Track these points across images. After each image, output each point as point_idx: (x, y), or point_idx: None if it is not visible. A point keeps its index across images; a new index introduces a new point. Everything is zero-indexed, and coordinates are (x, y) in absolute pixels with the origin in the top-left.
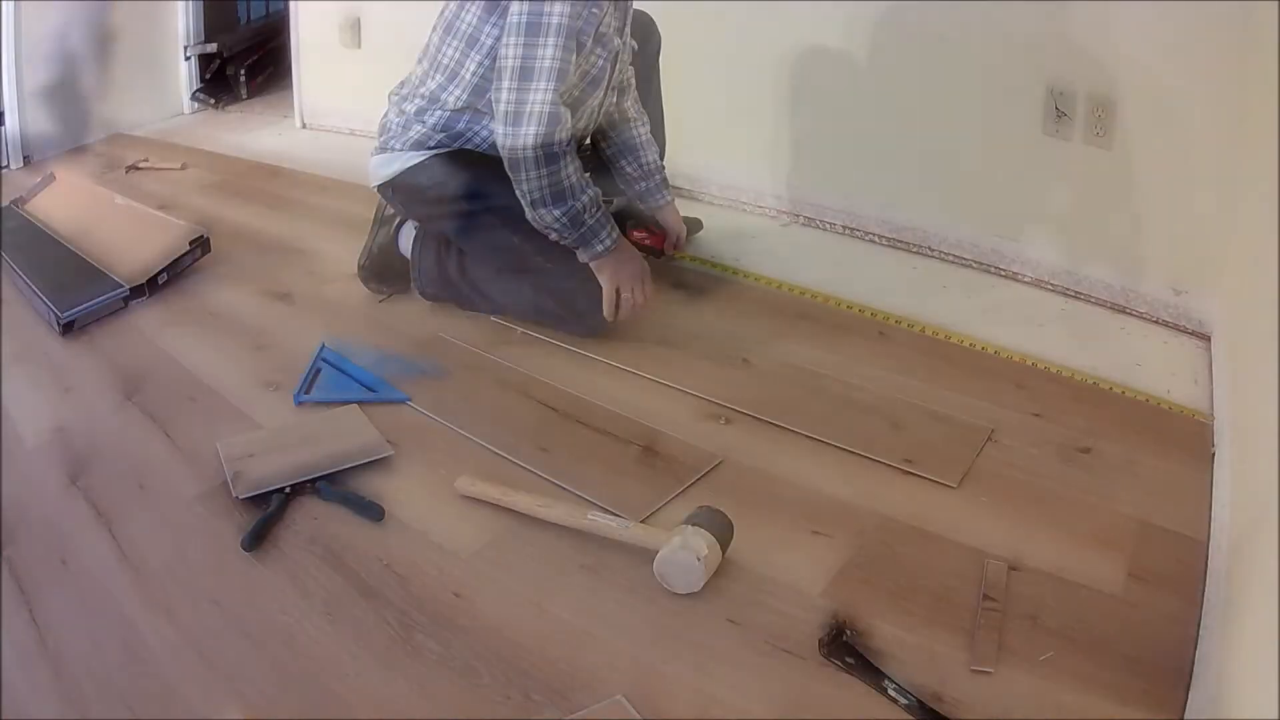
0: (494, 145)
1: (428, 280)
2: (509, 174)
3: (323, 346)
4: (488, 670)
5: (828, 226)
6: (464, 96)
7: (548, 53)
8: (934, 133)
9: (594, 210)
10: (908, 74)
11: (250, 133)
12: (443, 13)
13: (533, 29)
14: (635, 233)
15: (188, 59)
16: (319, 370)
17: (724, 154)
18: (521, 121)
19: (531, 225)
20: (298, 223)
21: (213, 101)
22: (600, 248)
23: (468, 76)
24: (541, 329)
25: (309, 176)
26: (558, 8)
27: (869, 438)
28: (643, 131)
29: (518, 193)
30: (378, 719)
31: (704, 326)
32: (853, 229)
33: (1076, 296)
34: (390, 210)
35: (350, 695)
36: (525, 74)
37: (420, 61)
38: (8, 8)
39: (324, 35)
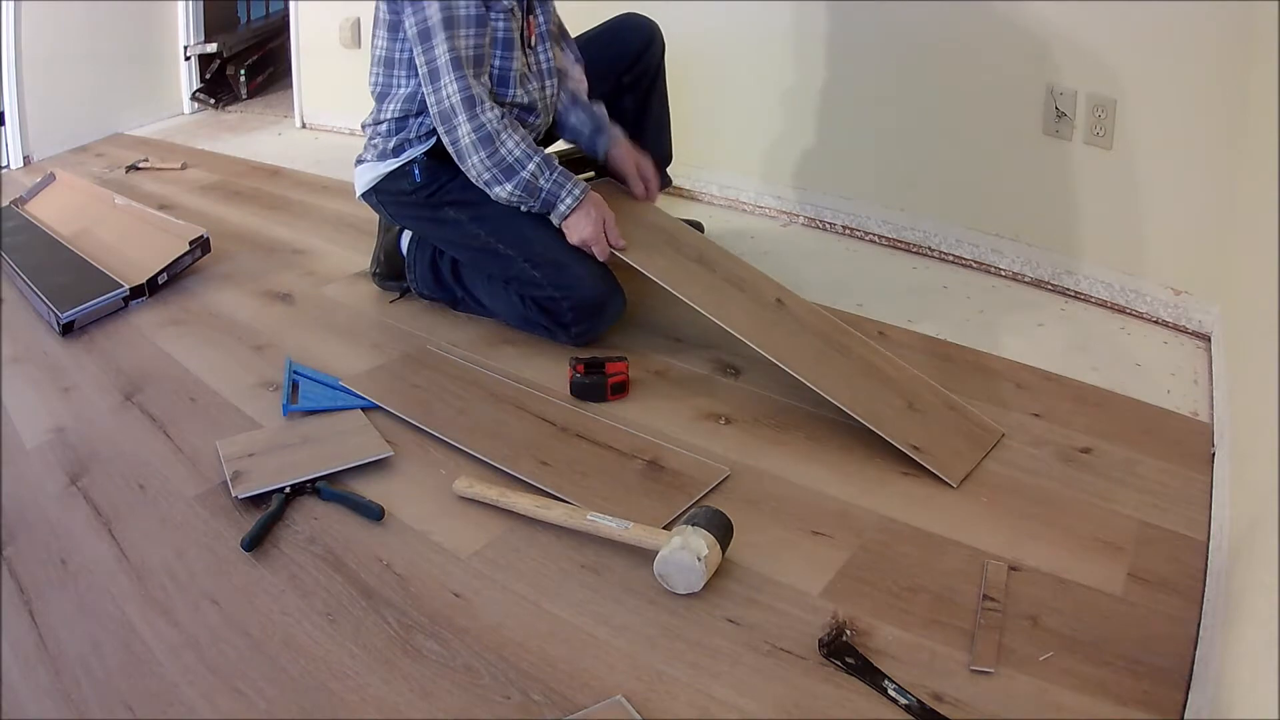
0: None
1: (422, 282)
2: (460, 165)
3: (289, 362)
4: (488, 670)
5: (828, 227)
6: (399, 107)
7: (440, 49)
8: (934, 133)
9: (547, 174)
10: (908, 74)
11: (250, 133)
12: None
13: (423, 35)
14: (612, 381)
15: (188, 59)
16: (296, 383)
17: (724, 155)
18: (448, 118)
19: (515, 233)
20: (298, 223)
21: (213, 101)
22: (564, 207)
23: (398, 89)
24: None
25: (309, 177)
26: (433, 6)
27: (881, 413)
28: (578, 76)
29: (474, 181)
30: (377, 719)
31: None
32: (853, 229)
33: (1076, 296)
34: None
35: (350, 695)
36: (434, 76)
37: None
38: (8, 8)
39: (324, 35)
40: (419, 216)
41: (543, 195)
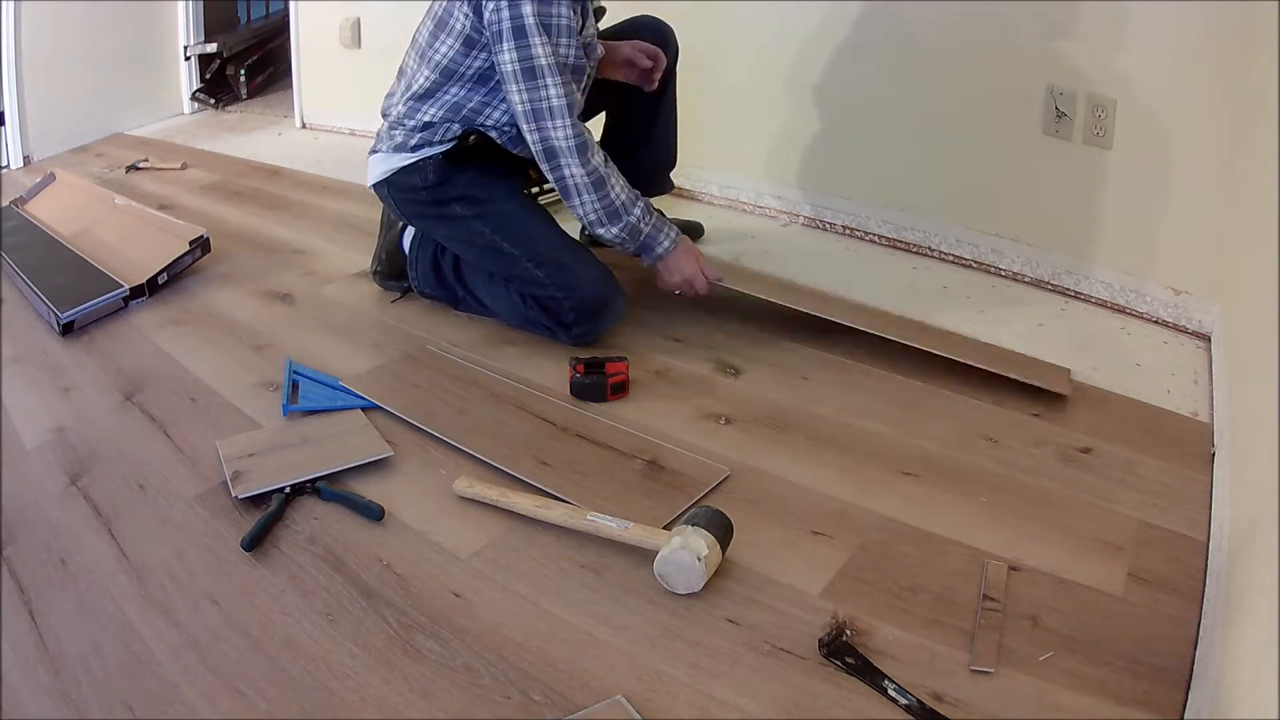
0: (481, 139)
1: (424, 280)
2: (565, 200)
3: (289, 362)
4: (488, 670)
5: (828, 227)
6: (439, 113)
7: (552, 90)
8: (934, 133)
9: (648, 217)
10: (908, 74)
11: (250, 133)
12: (416, 34)
13: (528, 73)
14: (612, 381)
15: (188, 59)
16: (296, 384)
17: (724, 155)
18: (557, 156)
19: (519, 232)
20: (298, 223)
21: (213, 101)
22: (660, 250)
23: (445, 97)
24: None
25: (309, 177)
26: (540, 46)
27: (973, 348)
28: None
29: (576, 215)
30: (377, 719)
31: (702, 327)
32: (853, 229)
33: (1076, 296)
34: (391, 213)
35: (350, 695)
36: (541, 115)
37: (399, 77)
38: (8, 8)
39: (324, 35)
40: (426, 213)
41: (642, 238)
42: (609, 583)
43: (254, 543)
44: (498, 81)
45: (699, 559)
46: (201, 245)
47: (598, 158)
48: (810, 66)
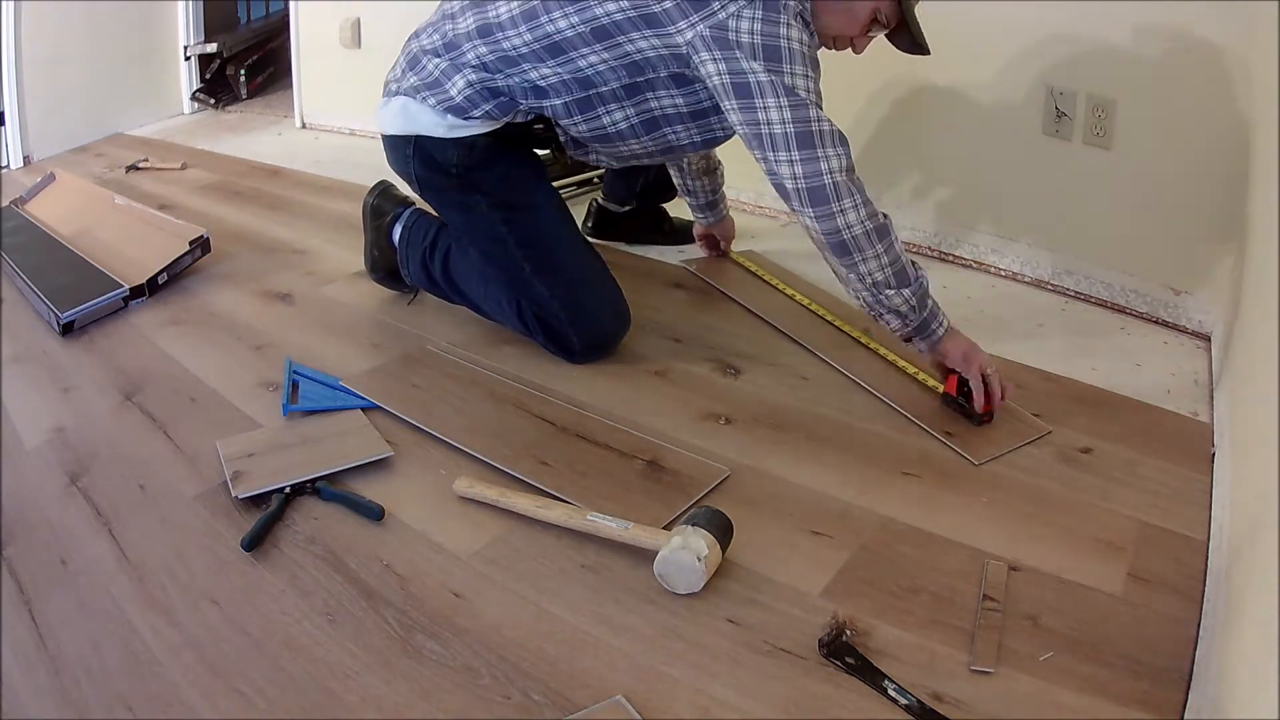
0: (540, 127)
1: (416, 277)
2: (838, 259)
3: (289, 362)
4: (488, 670)
5: None
6: (560, 80)
7: (813, 111)
8: (934, 132)
9: (929, 293)
10: (907, 74)
11: (250, 133)
12: None
13: (779, 90)
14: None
15: (188, 59)
16: (296, 383)
17: (724, 155)
18: (827, 198)
19: (545, 254)
20: (298, 223)
21: (213, 101)
22: (941, 330)
23: (582, 65)
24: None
25: (309, 177)
26: (800, 68)
27: (921, 405)
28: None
29: (850, 284)
30: (377, 719)
31: (702, 327)
32: None
33: (1076, 296)
34: (373, 208)
35: (350, 695)
36: (806, 140)
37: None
38: (8, 8)
39: (324, 35)
40: (444, 195)
41: (927, 311)
42: (609, 583)
43: (254, 543)
44: (639, 78)
45: (699, 559)
46: (201, 245)
47: (875, 205)
48: None
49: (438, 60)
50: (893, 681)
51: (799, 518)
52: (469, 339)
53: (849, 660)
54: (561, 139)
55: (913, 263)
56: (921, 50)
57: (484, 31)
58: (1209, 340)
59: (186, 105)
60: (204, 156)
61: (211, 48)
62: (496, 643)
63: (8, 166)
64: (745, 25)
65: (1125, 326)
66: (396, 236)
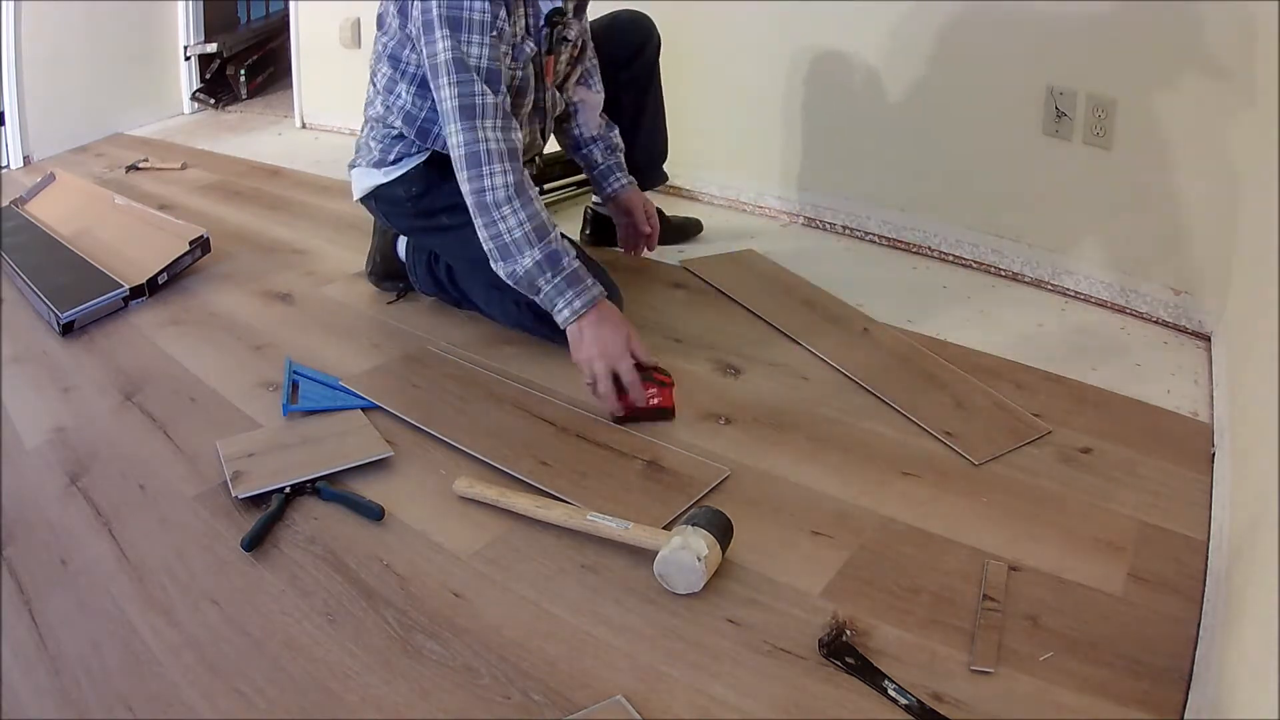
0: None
1: (423, 283)
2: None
3: (289, 362)
4: (488, 670)
5: (828, 227)
6: (398, 122)
7: (448, 91)
8: (934, 132)
9: (550, 280)
10: (908, 74)
11: (250, 133)
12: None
13: (434, 71)
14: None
15: (188, 59)
16: (295, 383)
17: (724, 155)
18: (461, 166)
19: None
20: (298, 223)
21: (213, 101)
22: (558, 318)
23: (400, 92)
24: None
25: (309, 177)
26: (441, 45)
27: (921, 404)
28: (596, 103)
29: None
30: (377, 719)
31: (702, 327)
32: (853, 229)
33: (1076, 297)
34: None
35: (350, 695)
36: (465, 113)
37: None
38: (8, 8)
39: (324, 35)
40: (416, 225)
41: (540, 295)
42: (609, 583)
43: (254, 543)
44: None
45: (699, 559)
46: (201, 245)
47: (502, 177)
48: (810, 66)
49: (361, 136)
50: (893, 681)
51: (799, 518)
52: (469, 339)
53: (849, 660)
54: None
55: (537, 242)
56: None
57: (368, 101)
58: (1209, 340)
59: (186, 105)
60: (204, 156)
61: (211, 48)
62: (496, 643)
63: (8, 166)
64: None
65: (1125, 326)
66: (401, 248)
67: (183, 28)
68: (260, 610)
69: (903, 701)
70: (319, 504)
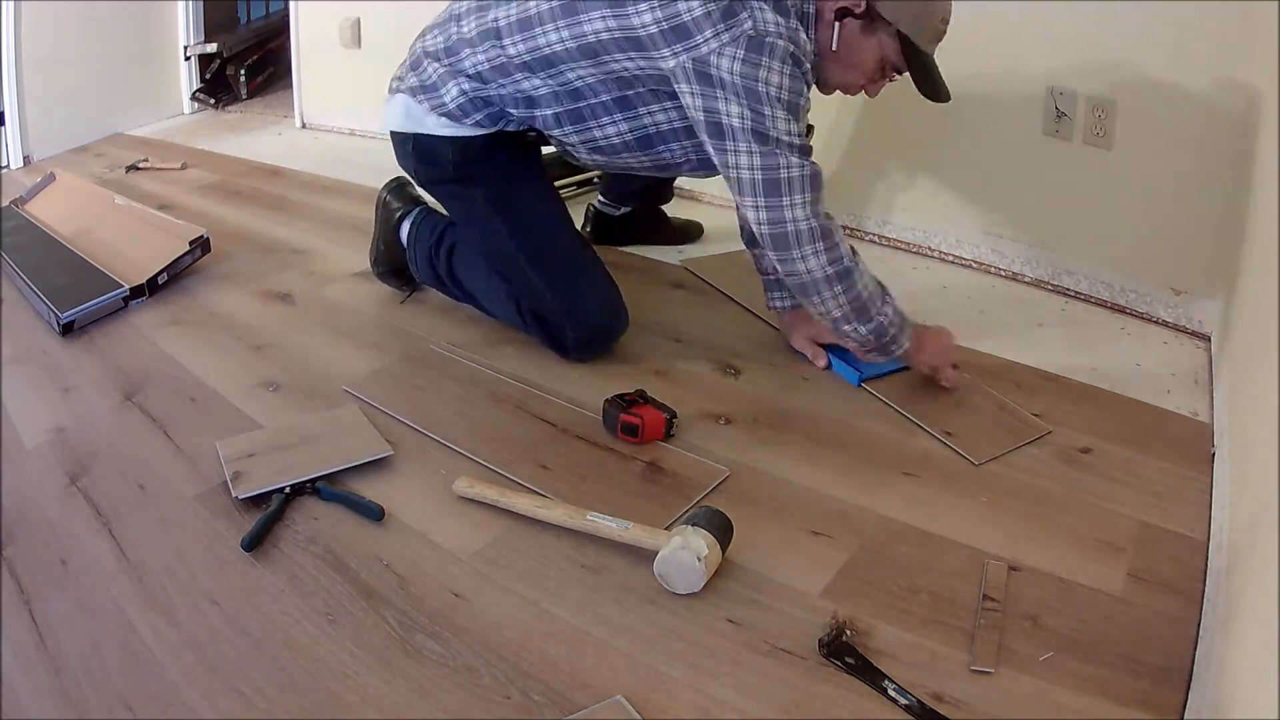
0: (533, 135)
1: (422, 273)
2: (802, 297)
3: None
4: (488, 670)
5: None
6: (549, 91)
7: (790, 158)
8: (934, 133)
9: (895, 320)
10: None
11: (250, 133)
12: None
13: (760, 136)
14: (624, 416)
15: (188, 59)
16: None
17: None
18: (790, 244)
19: (536, 243)
20: (298, 223)
21: (213, 101)
22: (899, 350)
23: (571, 79)
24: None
25: (309, 177)
26: (780, 113)
27: (922, 405)
28: None
29: (817, 312)
30: (377, 719)
31: (702, 327)
32: (852, 230)
33: (1076, 296)
34: (385, 203)
35: (350, 695)
36: (776, 188)
37: (497, 3)
38: (8, 8)
39: (324, 35)
40: (443, 188)
41: (885, 340)
42: (609, 583)
43: (254, 543)
44: (630, 100)
45: (699, 559)
46: (201, 245)
47: (846, 246)
48: None
49: (436, 65)
50: (893, 681)
51: (799, 518)
52: (470, 339)
53: (849, 660)
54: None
55: (883, 293)
56: (940, 98)
57: (483, 37)
58: (1209, 340)
59: (186, 105)
60: (204, 156)
61: (211, 48)
62: (496, 642)
63: (8, 166)
64: (726, 64)
65: (1125, 326)
66: (405, 234)
67: (183, 28)
68: (260, 610)
69: (903, 701)
70: (319, 504)
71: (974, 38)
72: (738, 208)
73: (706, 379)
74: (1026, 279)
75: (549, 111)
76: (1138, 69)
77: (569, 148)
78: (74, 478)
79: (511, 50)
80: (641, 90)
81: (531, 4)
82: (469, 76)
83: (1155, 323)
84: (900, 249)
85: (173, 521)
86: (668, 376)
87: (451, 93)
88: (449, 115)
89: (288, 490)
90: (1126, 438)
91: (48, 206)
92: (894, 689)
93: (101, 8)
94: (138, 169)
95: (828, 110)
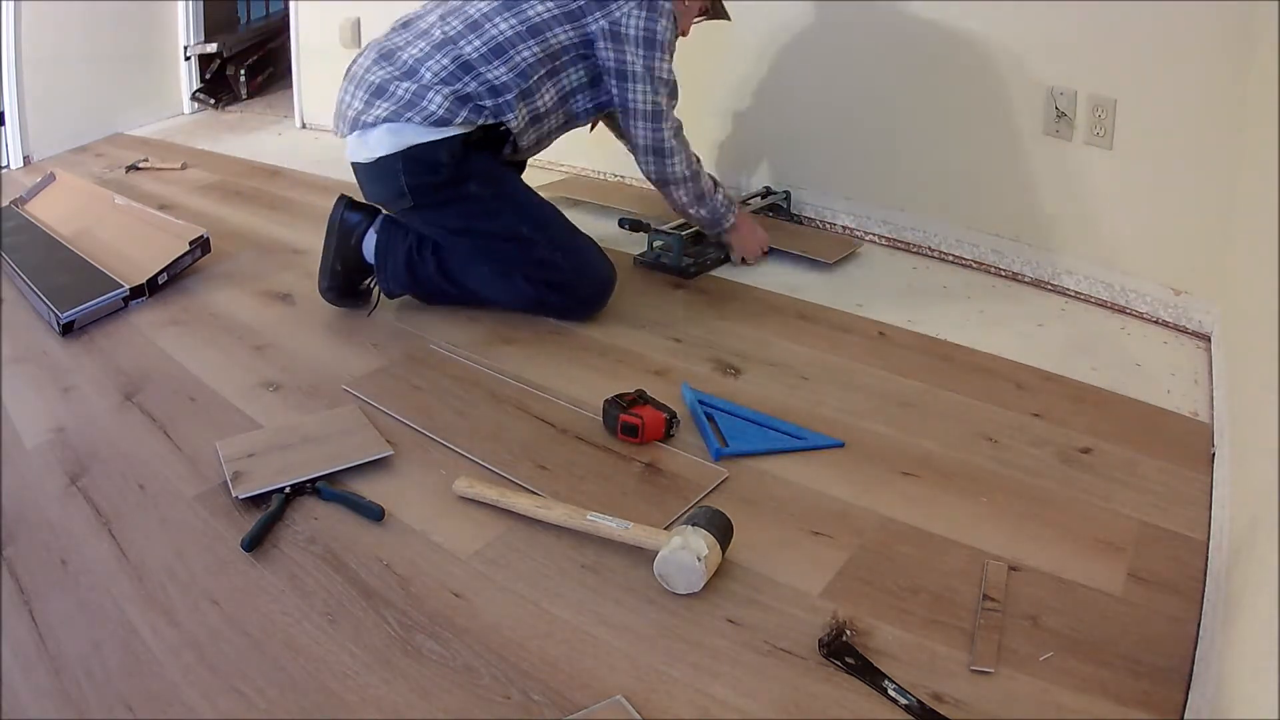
0: (515, 131)
1: (394, 280)
2: (661, 188)
3: (688, 389)
4: (488, 670)
5: (828, 227)
6: (508, 76)
7: (663, 96)
8: (934, 133)
9: (724, 205)
10: (908, 74)
11: (250, 133)
12: None
13: (648, 76)
14: (624, 417)
15: (188, 59)
16: (711, 416)
17: (723, 155)
18: (662, 153)
19: (538, 217)
20: (298, 223)
21: (213, 101)
22: (727, 224)
23: (519, 60)
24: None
25: (309, 177)
26: (664, 64)
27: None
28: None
29: (672, 200)
30: (377, 719)
31: (702, 327)
32: (853, 229)
33: (1076, 296)
34: (344, 220)
35: (350, 695)
36: (655, 116)
37: (439, 19)
38: (8, 8)
39: (324, 35)
40: (441, 194)
41: (718, 215)
42: (609, 583)
43: (254, 543)
44: (562, 66)
45: (699, 559)
46: (201, 245)
47: (691, 151)
48: (810, 66)
49: (407, 84)
50: (893, 681)
51: (799, 518)
52: (470, 339)
53: (849, 660)
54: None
55: (715, 186)
56: (722, 15)
57: (439, 47)
58: (1209, 340)
59: (186, 105)
60: (204, 156)
61: (211, 48)
62: (496, 643)
63: (8, 166)
64: (633, 23)
65: (1125, 326)
66: (369, 248)
67: (183, 28)
68: (260, 610)
69: (903, 701)
70: (319, 504)
71: (975, 37)
72: (629, 138)
73: (706, 379)
74: (1026, 279)
75: (510, 96)
76: (1138, 69)
77: (520, 134)
78: (74, 478)
79: (468, 49)
80: (564, 59)
81: (472, 9)
82: (443, 81)
83: (1155, 323)
84: (900, 249)
85: (173, 521)
86: (668, 376)
87: (435, 100)
88: (439, 121)
89: (288, 490)
90: (1126, 438)
91: (48, 206)
92: (894, 689)
93: (101, 8)
94: (138, 169)
95: (828, 111)
